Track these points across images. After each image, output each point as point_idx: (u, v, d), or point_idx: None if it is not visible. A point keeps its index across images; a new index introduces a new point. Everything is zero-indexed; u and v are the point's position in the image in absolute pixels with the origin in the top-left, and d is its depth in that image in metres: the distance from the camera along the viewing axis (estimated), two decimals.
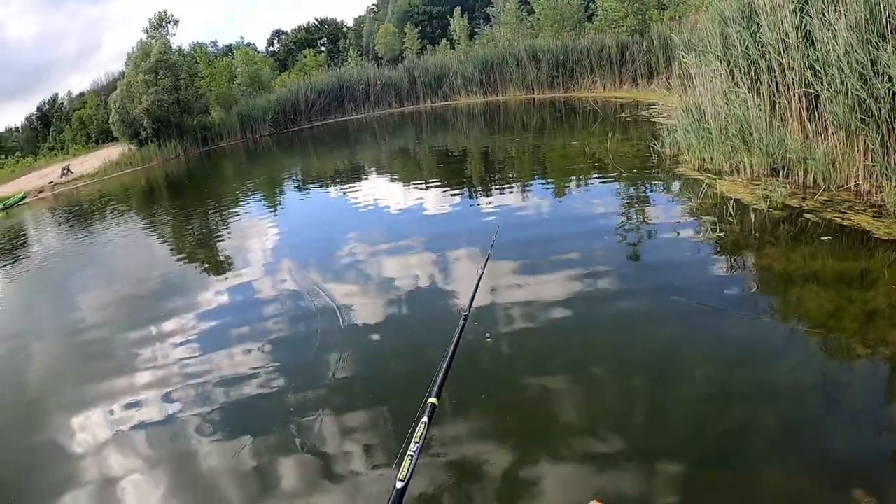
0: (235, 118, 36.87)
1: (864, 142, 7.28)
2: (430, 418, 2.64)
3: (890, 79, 6.65)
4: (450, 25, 44.34)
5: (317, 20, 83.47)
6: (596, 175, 11.59)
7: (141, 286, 10.67)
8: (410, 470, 2.32)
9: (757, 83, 8.96)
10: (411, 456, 2.38)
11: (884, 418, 3.99)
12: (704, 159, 9.76)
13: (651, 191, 9.95)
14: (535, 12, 32.70)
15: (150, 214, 19.16)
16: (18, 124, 67.87)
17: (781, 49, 8.33)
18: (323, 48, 74.92)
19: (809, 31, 7.93)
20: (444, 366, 3.00)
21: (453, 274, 8.01)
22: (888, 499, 3.36)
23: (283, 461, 4.75)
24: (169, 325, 8.27)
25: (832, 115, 7.55)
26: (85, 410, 6.48)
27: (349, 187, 16.51)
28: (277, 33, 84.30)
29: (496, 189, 12.57)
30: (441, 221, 10.75)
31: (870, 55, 6.88)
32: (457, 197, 12.41)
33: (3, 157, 55.14)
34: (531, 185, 12.43)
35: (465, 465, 4.15)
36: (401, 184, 15.76)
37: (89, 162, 37.79)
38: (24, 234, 21.11)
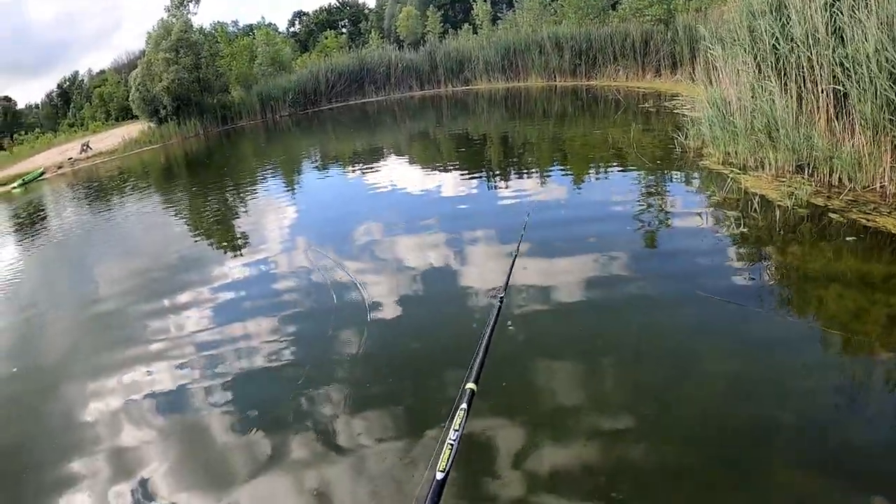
0: (255, 98, 36.94)
1: (892, 142, 7.21)
2: (469, 405, 2.61)
3: None
4: (472, 9, 44.09)
5: (338, 2, 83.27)
6: (618, 165, 11.58)
7: (158, 261, 10.84)
8: (450, 460, 2.27)
9: (784, 78, 8.87)
10: (451, 445, 2.33)
11: None
12: (729, 153, 9.68)
13: (675, 183, 9.88)
14: None
15: (169, 191, 19.30)
16: (39, 101, 68.09)
17: (811, 44, 8.25)
18: (344, 30, 74.76)
19: (840, 27, 7.85)
20: (482, 350, 3.02)
21: (472, 257, 8.08)
22: None
23: (297, 443, 4.81)
24: (185, 300, 8.45)
25: (860, 113, 7.48)
26: (99, 380, 6.64)
27: (368, 169, 16.55)
28: (299, 14, 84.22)
29: (515, 175, 12.64)
30: (460, 206, 10.79)
31: None
32: (476, 181, 12.51)
33: (23, 133, 55.30)
34: (552, 172, 12.46)
35: (477, 451, 4.18)
36: (420, 167, 15.83)
37: (109, 139, 37.92)
38: (43, 209, 21.28)
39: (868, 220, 6.67)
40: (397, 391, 5.30)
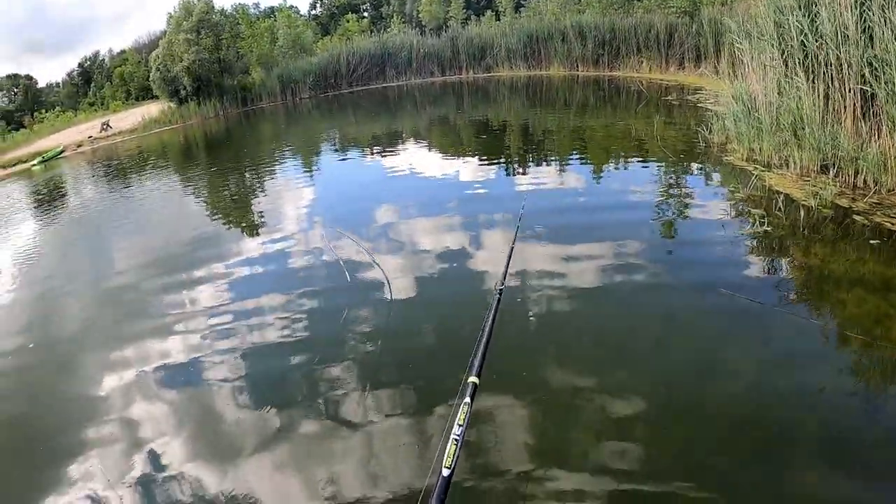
0: (276, 80, 36.91)
1: None
2: (472, 398, 2.60)
3: None
4: None
5: None
6: (641, 157, 11.58)
7: (176, 239, 11.02)
8: (456, 456, 2.26)
9: (812, 76, 8.78)
10: (456, 440, 2.33)
11: None
12: (753, 150, 9.63)
13: (698, 178, 9.87)
14: None
15: (188, 171, 19.42)
16: (59, 80, 68.29)
17: (840, 42, 8.17)
18: (366, 14, 74.48)
19: (869, 27, 7.77)
20: (483, 343, 2.98)
21: (487, 244, 8.12)
22: None
23: (307, 426, 4.90)
24: (201, 277, 8.60)
25: (887, 115, 7.42)
26: (115, 354, 6.79)
27: (387, 153, 16.68)
28: None
29: (534, 164, 12.72)
30: (478, 193, 10.85)
31: None
32: (494, 169, 12.56)
33: (44, 111, 55.52)
34: (573, 162, 12.47)
35: (478, 456, 4.18)
36: (439, 153, 15.87)
37: (129, 118, 38.05)
38: (62, 186, 21.40)
39: (893, 224, 6.64)
40: (413, 370, 5.41)
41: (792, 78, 9.02)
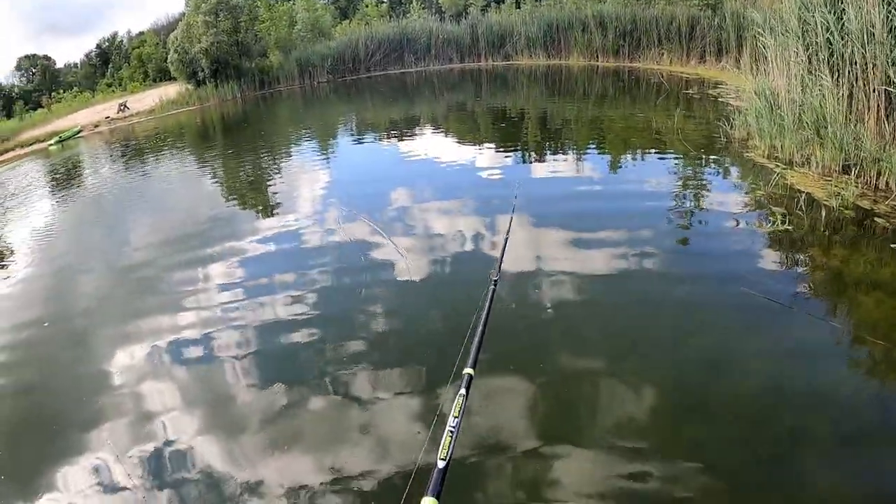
0: (294, 63, 36.86)
1: None
2: (467, 390, 2.59)
3: None
4: None
5: None
6: (661, 151, 11.54)
7: (191, 222, 11.20)
8: (451, 447, 2.25)
9: (836, 74, 8.71)
10: (451, 432, 2.31)
11: None
12: (775, 146, 9.60)
13: (719, 173, 9.87)
14: None
15: (204, 153, 19.57)
16: (78, 61, 68.31)
17: (866, 41, 8.09)
18: None
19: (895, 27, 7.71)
20: (479, 334, 2.98)
21: (501, 230, 8.12)
22: None
23: (313, 405, 5.07)
24: (215, 260, 8.75)
25: None
26: (128, 333, 6.95)
27: (404, 139, 16.79)
28: None
29: (551, 155, 12.74)
30: (493, 180, 10.95)
31: None
32: (511, 157, 12.63)
33: (62, 91, 55.64)
34: (591, 154, 12.59)
35: (484, 446, 4.25)
36: (455, 140, 15.94)
37: (146, 99, 38.07)
38: (79, 166, 21.57)
39: None
40: (423, 351, 5.55)
41: (816, 75, 8.94)
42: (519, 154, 12.72)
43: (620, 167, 10.98)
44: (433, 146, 14.58)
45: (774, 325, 5.32)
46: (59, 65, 67.20)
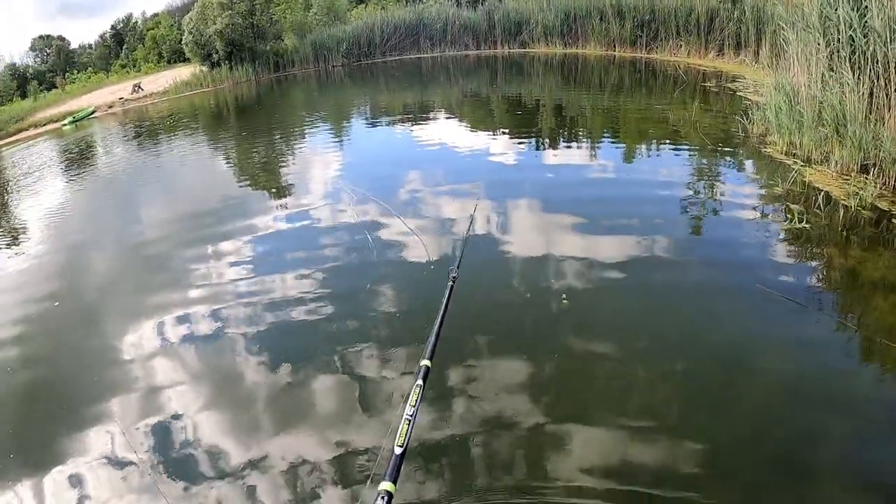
0: (309, 47, 36.79)
1: None
2: (424, 381, 2.71)
3: None
4: None
5: None
6: (678, 143, 11.52)
7: (203, 202, 11.38)
8: (408, 435, 2.38)
9: (857, 71, 8.61)
10: (408, 420, 2.43)
11: None
12: (793, 143, 9.52)
13: (736, 168, 9.80)
14: None
15: (217, 135, 19.76)
16: (92, 42, 68.35)
17: (889, 38, 7.99)
18: None
19: None
20: (437, 327, 3.09)
21: (512, 221, 8.26)
22: None
23: (316, 388, 5.19)
24: (227, 240, 8.90)
25: None
26: (138, 317, 7.02)
27: (417, 125, 16.90)
28: None
29: (565, 144, 12.77)
30: (507, 168, 11.01)
31: None
32: (524, 147, 12.63)
33: (76, 72, 55.83)
34: (606, 144, 12.65)
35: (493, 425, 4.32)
36: (469, 128, 15.98)
37: (160, 80, 38.12)
38: (92, 147, 21.70)
39: None
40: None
41: (837, 72, 8.85)
42: (533, 144, 12.71)
43: (636, 158, 10.98)
44: (447, 135, 14.55)
45: (789, 324, 5.34)
46: (74, 45, 67.21)
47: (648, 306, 5.83)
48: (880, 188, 7.59)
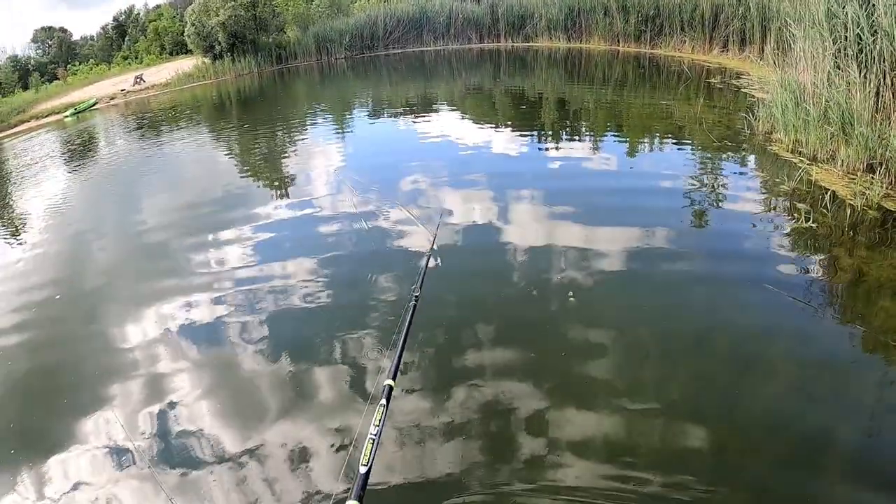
0: (311, 39, 36.80)
1: None
2: (387, 400, 2.76)
3: None
4: None
5: None
6: (682, 140, 11.47)
7: (205, 194, 11.48)
8: (372, 454, 2.44)
9: (864, 70, 8.57)
10: (372, 440, 2.49)
11: None
12: (799, 141, 9.47)
13: (742, 165, 9.74)
14: None
15: (219, 127, 19.82)
16: (94, 33, 68.40)
17: (894, 37, 7.96)
18: None
19: None
20: (399, 348, 3.16)
21: (514, 216, 8.25)
22: None
23: (318, 377, 5.26)
24: (228, 233, 8.94)
25: None
26: (139, 308, 7.06)
27: (419, 119, 16.87)
28: None
29: (567, 138, 12.78)
30: (510, 163, 11.02)
31: None
32: (527, 141, 12.65)
33: (78, 64, 55.91)
34: (609, 140, 12.50)
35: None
36: (472, 122, 15.96)
37: (162, 72, 38.18)
38: (94, 138, 21.76)
39: None
40: (438, 339, 5.57)
41: (843, 70, 8.81)
42: (537, 138, 12.71)
43: (641, 154, 10.95)
44: (449, 129, 14.55)
45: (797, 325, 5.31)
46: (76, 37, 67.36)
47: (654, 307, 5.82)
48: (886, 188, 7.55)
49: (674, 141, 11.45)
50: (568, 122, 14.71)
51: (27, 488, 4.49)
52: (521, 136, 13.11)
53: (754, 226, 7.26)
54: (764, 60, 15.61)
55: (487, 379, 4.91)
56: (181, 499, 4.09)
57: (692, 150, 10.61)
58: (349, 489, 2.35)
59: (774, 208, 7.73)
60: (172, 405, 5.14)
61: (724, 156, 10.05)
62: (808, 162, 8.79)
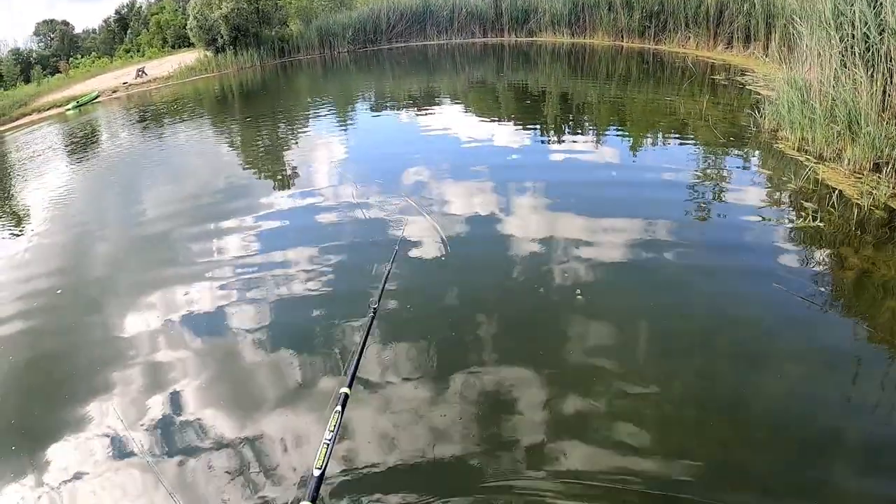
0: (314, 32, 36.72)
1: None
2: (343, 407, 2.84)
3: None
4: None
5: None
6: (687, 137, 11.46)
7: (207, 187, 11.52)
8: (326, 458, 2.53)
9: (871, 69, 8.53)
10: (326, 444, 2.57)
11: None
12: (805, 139, 9.45)
13: (749, 163, 9.72)
14: None
15: (222, 121, 19.87)
16: (96, 26, 68.36)
17: None
18: None
19: None
20: (357, 358, 3.23)
21: (517, 210, 8.27)
22: None
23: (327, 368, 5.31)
24: (230, 226, 8.98)
25: None
26: (141, 300, 7.11)
27: (423, 113, 16.90)
28: None
29: (570, 133, 12.85)
30: (513, 158, 10.99)
31: None
32: (529, 137, 12.62)
33: (79, 57, 55.89)
34: (613, 137, 12.51)
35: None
36: (475, 116, 16.00)
37: (164, 65, 38.09)
38: (96, 131, 21.78)
39: None
40: (431, 328, 5.67)
41: (850, 69, 8.77)
42: (539, 133, 12.75)
43: (645, 152, 10.96)
44: (452, 123, 14.57)
45: (807, 325, 5.32)
46: (78, 30, 67.26)
47: (662, 306, 5.82)
48: (893, 188, 7.53)
49: (679, 137, 11.45)
50: (572, 118, 14.68)
51: (26, 478, 4.55)
52: (524, 131, 13.16)
53: (762, 224, 7.26)
54: (769, 57, 15.61)
55: (489, 367, 4.98)
56: (179, 492, 4.13)
57: (698, 146, 10.60)
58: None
59: (781, 207, 7.74)
60: (172, 396, 5.20)
61: (730, 153, 10.06)
62: (814, 160, 8.76)
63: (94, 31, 67.90)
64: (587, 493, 3.72)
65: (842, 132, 8.64)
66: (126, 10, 66.50)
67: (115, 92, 33.24)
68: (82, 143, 19.51)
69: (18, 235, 10.60)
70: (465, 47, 31.76)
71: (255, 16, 35.33)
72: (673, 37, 22.89)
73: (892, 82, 8.21)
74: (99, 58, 54.28)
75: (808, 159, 8.83)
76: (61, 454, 4.72)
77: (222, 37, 34.99)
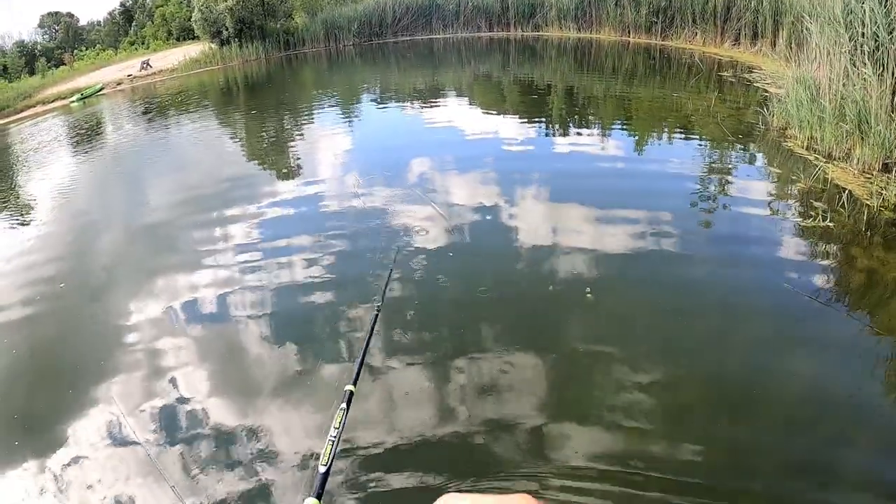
0: (319, 25, 36.71)
1: None
2: (348, 405, 2.77)
3: None
4: None
5: None
6: (696, 134, 11.45)
7: (211, 179, 11.62)
8: (331, 455, 2.46)
9: (881, 68, 8.49)
10: (331, 441, 2.51)
11: None
12: (814, 138, 9.40)
13: (758, 162, 9.71)
14: None
15: (226, 112, 19.99)
16: (101, 18, 68.51)
17: None
18: None
19: None
20: (362, 355, 3.17)
21: (522, 203, 8.32)
22: None
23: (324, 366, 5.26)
24: (234, 217, 9.04)
25: None
26: (143, 288, 7.21)
27: (427, 107, 16.98)
28: None
29: (575, 129, 12.72)
30: (517, 153, 11.01)
31: None
32: (534, 132, 12.63)
33: (84, 49, 56.01)
34: (619, 133, 12.51)
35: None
36: (480, 110, 15.98)
37: (169, 58, 38.20)
38: (100, 123, 21.85)
39: None
40: (437, 323, 5.68)
41: (859, 68, 8.73)
42: (544, 128, 12.76)
43: (654, 148, 10.97)
44: (457, 117, 14.63)
45: (818, 326, 5.31)
46: (83, 22, 67.46)
47: (673, 305, 5.81)
48: None
49: (689, 135, 11.43)
50: (577, 113, 14.63)
51: (28, 465, 4.61)
52: (529, 126, 13.17)
53: (772, 224, 7.25)
54: (776, 54, 15.54)
55: (497, 362, 4.98)
56: (179, 484, 4.14)
57: (707, 144, 10.59)
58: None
59: (791, 206, 7.73)
60: (175, 386, 5.27)
61: (739, 151, 10.05)
62: (823, 160, 8.72)
63: (98, 23, 68.08)
64: (596, 484, 3.74)
65: (851, 132, 8.60)
66: (131, 2, 66.61)
67: (119, 84, 33.35)
68: (87, 134, 19.59)
69: (24, 225, 10.68)
70: (471, 41, 31.74)
71: (260, 8, 35.33)
72: (680, 32, 22.78)
73: None
74: (104, 50, 54.47)
75: (816, 158, 8.80)
76: (63, 442, 4.76)
77: (227, 29, 35.01)
